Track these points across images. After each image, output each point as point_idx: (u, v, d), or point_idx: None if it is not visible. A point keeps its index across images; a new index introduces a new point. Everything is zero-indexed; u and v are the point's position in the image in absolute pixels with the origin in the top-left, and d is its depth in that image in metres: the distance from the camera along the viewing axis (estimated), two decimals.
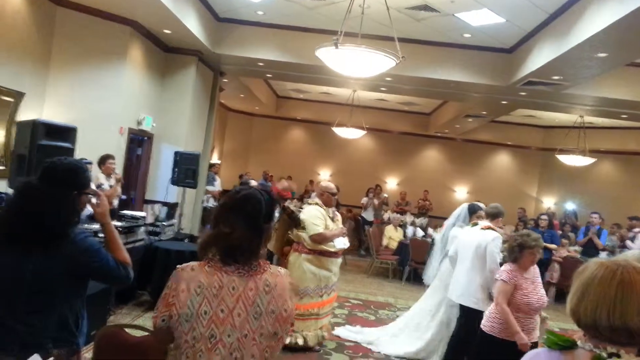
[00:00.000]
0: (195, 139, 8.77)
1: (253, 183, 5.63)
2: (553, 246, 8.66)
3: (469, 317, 4.14)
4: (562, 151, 12.18)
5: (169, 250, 5.47)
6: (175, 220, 6.65)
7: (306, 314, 4.60)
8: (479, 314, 3.75)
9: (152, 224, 6.03)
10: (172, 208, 6.59)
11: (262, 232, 1.65)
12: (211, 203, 9.90)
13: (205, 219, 9.49)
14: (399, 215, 11.32)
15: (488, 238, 4.18)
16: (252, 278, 1.60)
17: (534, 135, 14.73)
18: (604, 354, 1.16)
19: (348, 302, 6.96)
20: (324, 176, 15.61)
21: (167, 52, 8.19)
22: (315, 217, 4.55)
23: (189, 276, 1.57)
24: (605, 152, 13.12)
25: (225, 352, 1.53)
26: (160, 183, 7.96)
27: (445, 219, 13.74)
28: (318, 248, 4.57)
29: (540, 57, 6.85)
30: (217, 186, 10.44)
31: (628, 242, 9.06)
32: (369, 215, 12.19)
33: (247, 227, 1.61)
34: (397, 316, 6.57)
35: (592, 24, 5.36)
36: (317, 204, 4.73)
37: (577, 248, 9.56)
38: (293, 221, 4.66)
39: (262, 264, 1.64)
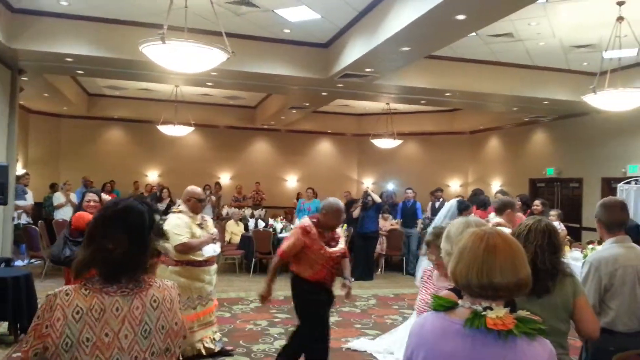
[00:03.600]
0: None
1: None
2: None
3: None
4: (375, 136, 13.51)
5: None
6: None
7: None
8: None
9: None
10: None
11: (147, 245, 1.56)
12: (24, 219, 8.72)
13: (18, 237, 8.32)
14: (237, 210, 11.35)
15: None
16: (137, 295, 1.51)
17: (350, 122, 16.00)
18: (480, 308, 1.38)
19: None
20: (152, 177, 14.82)
21: None
22: (176, 226, 4.27)
23: (64, 302, 1.42)
24: (409, 134, 14.91)
25: None
26: None
27: (281, 208, 14.11)
28: (185, 258, 4.34)
29: (353, 51, 7.49)
30: (29, 200, 9.21)
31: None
32: (207, 212, 11.96)
33: (131, 241, 1.52)
34: (251, 310, 6.68)
35: (397, 20, 6.05)
36: (180, 211, 4.45)
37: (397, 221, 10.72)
38: (157, 233, 4.35)
39: (147, 279, 1.56)
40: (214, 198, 12.29)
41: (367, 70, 7.98)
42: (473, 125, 14.77)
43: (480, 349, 1.36)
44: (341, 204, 4.01)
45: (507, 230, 3.53)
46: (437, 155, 15.41)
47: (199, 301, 4.48)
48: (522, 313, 1.39)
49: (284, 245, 3.86)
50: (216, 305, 4.87)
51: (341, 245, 3.99)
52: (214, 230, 4.68)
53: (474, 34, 7.37)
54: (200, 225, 4.50)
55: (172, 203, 10.75)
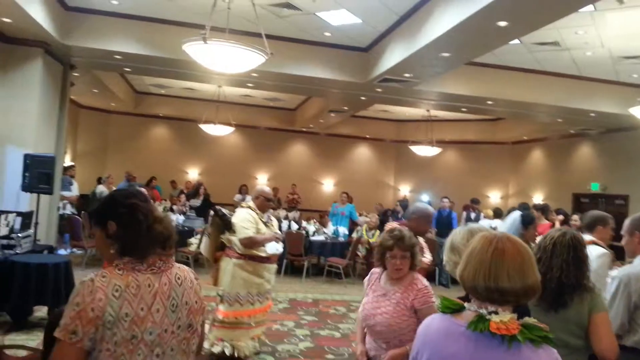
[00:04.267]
0: (45, 139, 7.96)
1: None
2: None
3: None
4: (414, 142, 13.39)
5: (27, 264, 4.93)
6: (31, 231, 6.00)
7: (235, 322, 4.37)
8: None
9: (5, 237, 5.37)
10: (26, 217, 5.93)
11: (139, 232, 1.59)
12: (68, 210, 9.08)
13: (62, 227, 8.68)
14: (272, 211, 11.45)
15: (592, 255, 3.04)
16: (164, 273, 1.60)
17: (389, 128, 15.91)
18: (485, 312, 1.37)
19: None
20: (192, 175, 15.18)
21: (6, 43, 7.31)
22: (245, 220, 4.35)
23: (103, 283, 1.49)
24: (449, 142, 14.69)
25: (147, 351, 1.50)
26: (7, 190, 7.09)
27: (315, 211, 14.12)
28: (249, 252, 4.37)
29: (393, 56, 7.46)
30: (74, 191, 9.60)
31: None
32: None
33: (120, 226, 1.61)
34: (279, 310, 6.70)
35: (437, 26, 6.00)
36: (249, 207, 4.51)
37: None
38: (224, 224, 4.42)
39: (167, 260, 1.63)
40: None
41: (407, 75, 7.93)
42: (516, 136, 14.40)
43: (483, 352, 1.35)
44: (431, 209, 3.92)
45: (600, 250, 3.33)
46: (477, 165, 15.09)
47: (257, 297, 4.48)
48: (529, 320, 1.36)
49: None
50: (270, 305, 4.84)
51: (428, 254, 3.81)
52: (278, 231, 4.74)
53: (517, 41, 7.22)
54: (266, 224, 4.52)
55: (208, 199, 10.99)
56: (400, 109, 13.26)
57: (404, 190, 16.36)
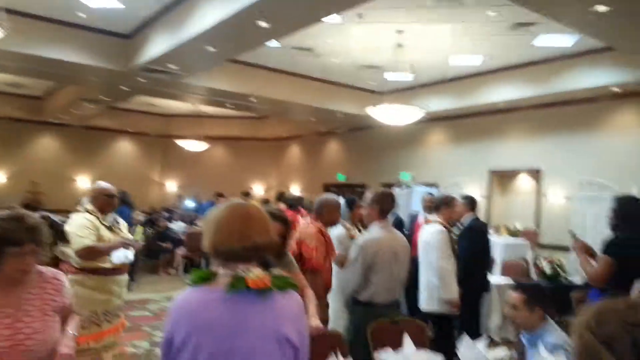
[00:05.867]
0: None
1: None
2: None
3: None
4: (181, 137, 13.22)
5: None
6: None
7: (79, 350, 3.39)
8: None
9: None
10: None
11: None
12: None
13: None
14: None
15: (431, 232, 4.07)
16: None
17: (155, 122, 15.32)
18: (240, 272, 1.48)
19: None
20: None
21: None
22: (81, 227, 3.55)
23: None
24: (217, 138, 14.95)
25: None
26: None
27: (65, 211, 12.90)
28: (89, 265, 3.58)
29: (157, 45, 7.26)
30: None
31: None
32: None
33: None
34: None
35: (203, 19, 6.08)
36: (87, 210, 3.69)
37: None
38: (56, 234, 3.47)
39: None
40: None
41: (172, 67, 7.80)
42: (277, 133, 15.50)
43: (244, 310, 1.46)
44: (337, 198, 3.85)
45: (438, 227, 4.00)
46: (244, 160, 15.74)
47: (105, 317, 3.69)
48: (275, 271, 1.55)
49: (314, 255, 3.34)
50: (124, 324, 3.98)
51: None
52: (128, 235, 3.90)
53: (278, 44, 7.81)
54: (110, 228, 3.76)
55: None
56: (168, 103, 12.92)
57: (170, 185, 16.01)
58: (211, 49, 6.81)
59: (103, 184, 3.89)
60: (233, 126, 15.17)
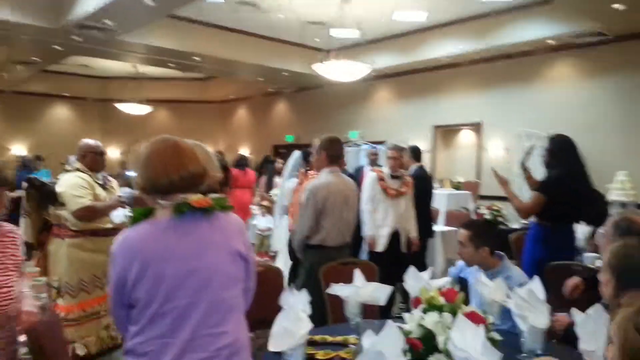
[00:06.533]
0: None
1: None
2: None
3: None
4: (121, 101, 12.70)
5: None
6: None
7: (83, 315, 3.32)
8: None
9: None
10: None
11: None
12: None
13: None
14: None
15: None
16: None
17: (92, 85, 14.63)
18: (179, 199, 1.48)
19: None
20: None
21: None
22: (76, 186, 3.29)
23: None
24: (160, 101, 14.46)
25: None
26: None
27: None
28: (88, 227, 3.34)
29: None
30: None
31: None
32: None
33: None
34: None
35: None
36: (78, 169, 3.42)
37: None
38: (46, 197, 3.30)
39: None
40: None
41: (108, 23, 7.40)
42: (223, 95, 15.16)
43: (194, 231, 1.50)
44: None
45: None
46: (190, 124, 15.32)
47: (106, 279, 3.30)
48: (213, 195, 1.58)
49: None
50: None
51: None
52: (122, 193, 3.50)
53: None
54: (103, 186, 3.52)
55: None
56: (105, 65, 12.32)
57: (113, 152, 15.44)
58: (149, 2, 6.50)
59: (90, 141, 3.60)
60: (177, 88, 14.70)
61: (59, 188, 3.35)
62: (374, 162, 5.65)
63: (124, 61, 10.94)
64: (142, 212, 1.53)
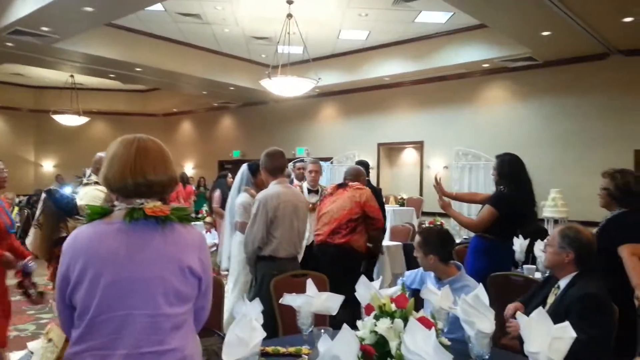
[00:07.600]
0: None
1: None
2: None
3: None
4: (57, 112, 12.13)
5: None
6: None
7: None
8: None
9: None
10: None
11: None
12: None
13: None
14: None
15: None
16: None
17: (25, 95, 13.93)
18: (137, 204, 1.43)
19: None
20: None
21: None
22: (97, 199, 3.40)
23: None
24: (98, 112, 13.92)
25: None
26: None
27: None
28: None
29: (26, 3, 6.54)
30: None
31: None
32: None
33: None
34: None
35: None
36: (96, 182, 3.59)
37: None
38: (65, 210, 3.32)
39: None
40: None
41: (44, 29, 7.08)
42: (167, 108, 14.82)
43: (143, 238, 1.42)
44: None
45: None
46: None
47: None
48: (174, 205, 1.52)
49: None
50: None
51: None
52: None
53: (162, 8, 7.42)
54: None
55: None
56: (39, 74, 11.76)
57: (47, 165, 14.67)
58: (89, 9, 6.27)
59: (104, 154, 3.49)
60: (118, 100, 14.24)
61: (79, 201, 3.53)
62: (300, 177, 5.60)
63: (60, 70, 10.47)
64: (98, 210, 1.45)
